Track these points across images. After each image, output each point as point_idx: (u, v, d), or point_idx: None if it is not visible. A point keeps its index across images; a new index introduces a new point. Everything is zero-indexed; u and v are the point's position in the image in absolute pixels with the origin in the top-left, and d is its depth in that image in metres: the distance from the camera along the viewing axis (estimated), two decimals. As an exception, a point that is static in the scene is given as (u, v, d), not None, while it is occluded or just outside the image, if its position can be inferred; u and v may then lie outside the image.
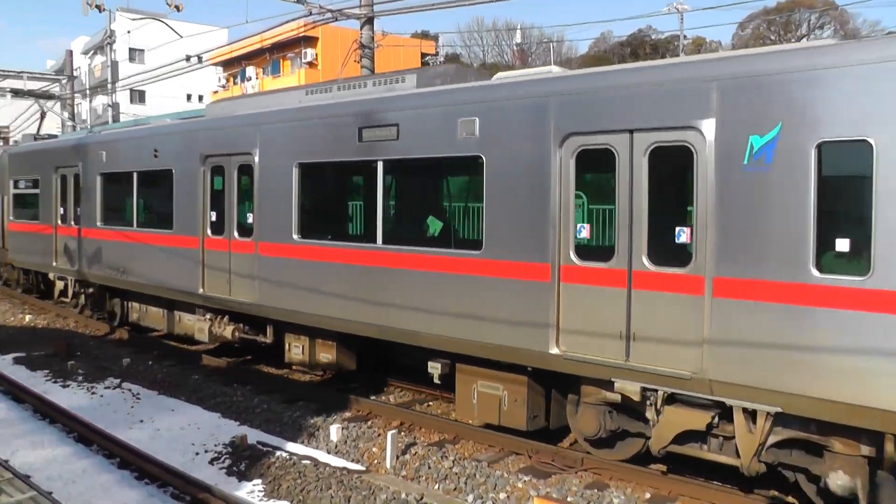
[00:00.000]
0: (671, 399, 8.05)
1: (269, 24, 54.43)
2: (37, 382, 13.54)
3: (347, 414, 11.62)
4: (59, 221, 18.76)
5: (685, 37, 50.97)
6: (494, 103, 9.42)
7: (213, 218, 13.72)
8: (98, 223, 16.90)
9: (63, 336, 17.50)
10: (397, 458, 9.55)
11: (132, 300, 16.82)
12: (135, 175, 15.65)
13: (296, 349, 12.60)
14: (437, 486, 8.91)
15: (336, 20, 21.11)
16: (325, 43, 45.95)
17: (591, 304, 8.44)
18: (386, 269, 10.57)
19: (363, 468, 9.44)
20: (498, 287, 9.26)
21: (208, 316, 14.21)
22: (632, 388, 8.11)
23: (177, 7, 19.16)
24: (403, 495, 8.41)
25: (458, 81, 10.80)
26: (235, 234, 13.23)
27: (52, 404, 11.76)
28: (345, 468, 9.26)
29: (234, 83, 54.82)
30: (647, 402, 8.14)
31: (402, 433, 10.57)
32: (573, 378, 8.94)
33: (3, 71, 45.25)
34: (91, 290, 18.11)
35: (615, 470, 9.11)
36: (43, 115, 25.10)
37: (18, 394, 12.68)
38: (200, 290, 13.84)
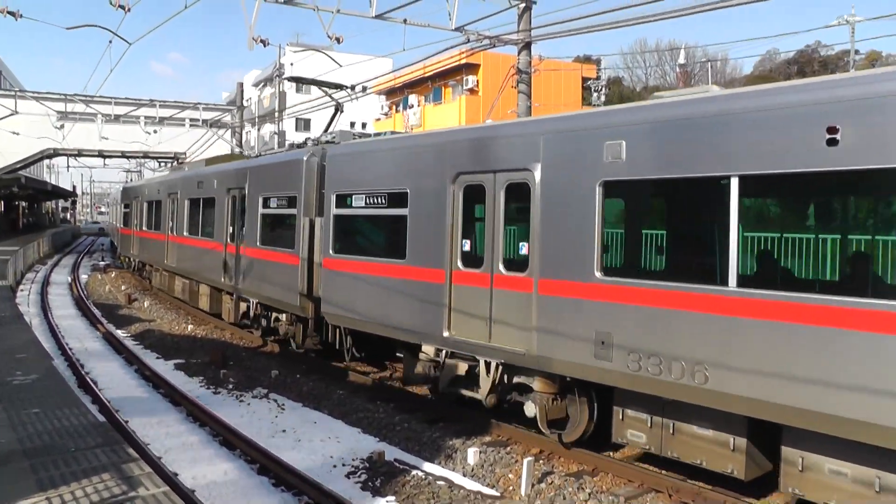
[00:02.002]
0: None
1: (426, 52, 55.97)
2: (192, 388, 14.19)
3: (487, 438, 11.34)
4: (461, 263, 11.18)
5: (857, 52, 47.70)
6: None
7: None
8: (597, 274, 9.18)
9: (219, 346, 18.33)
10: (532, 486, 9.16)
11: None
12: (734, 185, 7.99)
13: None
14: (574, 519, 8.46)
15: (494, 46, 21.25)
16: (487, 69, 46.56)
17: None
18: None
19: (497, 494, 9.12)
20: None
21: None
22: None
23: (337, 39, 19.83)
24: (538, 525, 8.03)
25: None
26: None
27: (203, 409, 12.22)
28: (479, 492, 8.98)
29: (397, 111, 56.58)
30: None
31: (540, 461, 10.18)
32: None
33: (182, 103, 48.74)
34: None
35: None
36: (338, 109, 18.45)
37: (176, 398, 13.31)
38: None
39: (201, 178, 22.53)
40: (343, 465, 10.05)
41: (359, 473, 9.71)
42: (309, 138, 17.62)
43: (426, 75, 46.02)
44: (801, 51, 67.77)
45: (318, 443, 11.00)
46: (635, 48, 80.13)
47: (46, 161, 60.76)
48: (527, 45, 19.68)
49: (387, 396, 13.66)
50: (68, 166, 58.74)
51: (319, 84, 18.68)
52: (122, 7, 18.34)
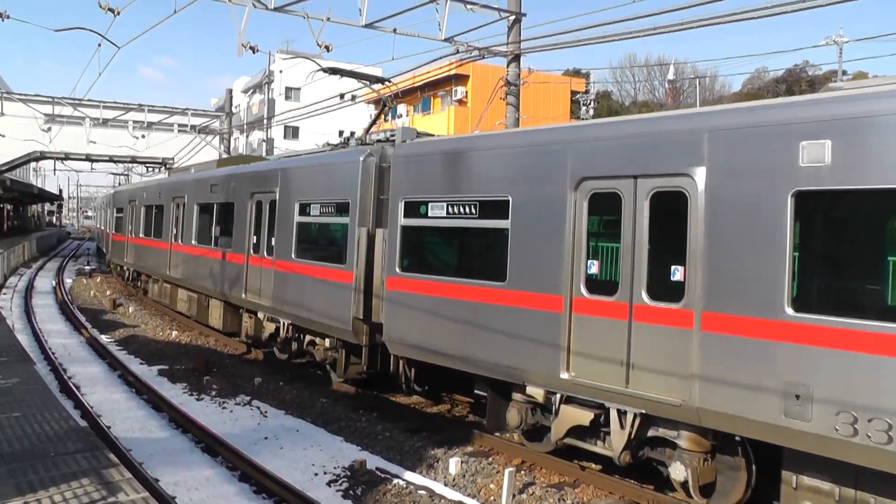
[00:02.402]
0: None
1: (415, 62, 56.36)
2: (175, 394, 14.14)
3: (469, 448, 11.35)
4: (585, 290, 9.16)
5: (845, 72, 48.20)
6: None
7: None
8: (788, 310, 7.30)
9: (203, 352, 18.27)
10: (514, 496, 9.19)
11: None
12: None
13: None
14: (554, 530, 8.48)
15: (483, 58, 21.36)
16: (476, 80, 46.82)
17: None
18: None
19: (479, 504, 9.16)
20: None
21: None
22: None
23: (326, 48, 19.88)
24: (518, 535, 8.06)
25: None
26: None
27: (185, 415, 12.19)
28: (460, 502, 9.02)
29: (385, 120, 56.74)
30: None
31: (522, 472, 10.20)
32: None
33: (171, 108, 48.62)
34: None
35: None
36: (384, 105, 16.42)
37: (158, 403, 13.27)
38: None
39: (216, 180, 20.13)
40: (325, 473, 10.05)
41: (340, 482, 9.72)
42: (349, 137, 15.68)
43: (415, 85, 46.19)
44: (790, 70, 68.46)
45: (301, 451, 10.99)
46: (624, 63, 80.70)
47: (33, 164, 60.39)
48: (516, 58, 19.80)
49: (369, 406, 13.66)
50: (55, 170, 58.30)
51: (359, 76, 16.92)
52: (111, 10, 18.27)
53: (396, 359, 12.63)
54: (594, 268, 9.12)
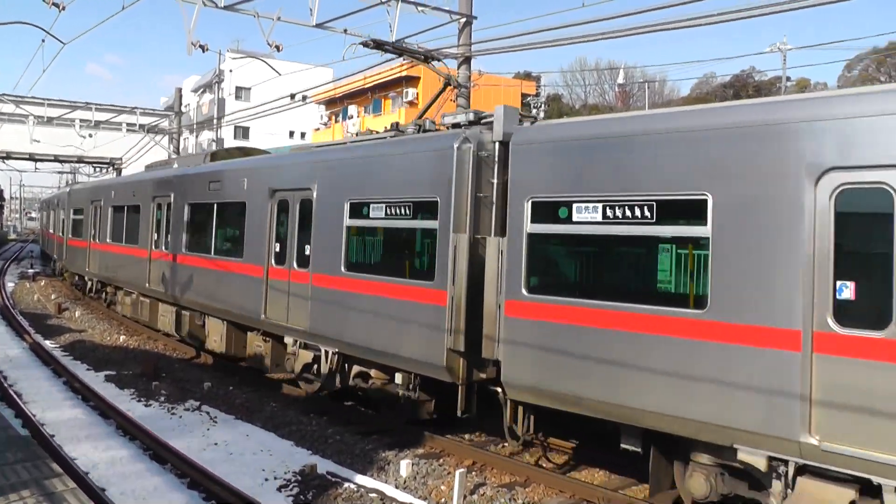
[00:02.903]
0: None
1: (365, 63, 56.51)
2: (122, 400, 13.91)
3: (420, 450, 11.40)
4: (833, 322, 6.78)
5: (788, 78, 49.53)
6: None
7: None
8: None
9: (152, 357, 17.99)
10: (465, 497, 9.25)
11: None
12: None
13: None
14: (505, 530, 8.56)
15: (434, 60, 21.41)
16: (426, 82, 46.94)
17: None
18: None
19: (430, 506, 9.20)
20: None
21: None
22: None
23: (277, 47, 19.74)
24: (469, 537, 8.12)
25: None
26: None
27: (133, 422, 12.00)
28: (411, 504, 9.05)
29: (336, 121, 56.59)
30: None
31: (473, 473, 10.27)
32: None
33: (119, 107, 47.69)
34: None
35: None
36: (447, 84, 14.82)
37: (105, 410, 13.04)
38: None
39: (216, 176, 17.17)
40: (275, 478, 9.98)
41: (291, 487, 9.66)
42: (395, 123, 13.54)
43: (366, 86, 46.23)
44: (737, 75, 70.01)
45: (251, 456, 10.91)
46: (575, 66, 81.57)
47: (-27, 164, 58.71)
48: (466, 60, 19.86)
49: (319, 409, 13.61)
50: (-5, 170, 56.77)
51: (406, 52, 15.21)
52: (56, 5, 17.86)
53: (514, 404, 9.90)
54: (847, 292, 6.76)
